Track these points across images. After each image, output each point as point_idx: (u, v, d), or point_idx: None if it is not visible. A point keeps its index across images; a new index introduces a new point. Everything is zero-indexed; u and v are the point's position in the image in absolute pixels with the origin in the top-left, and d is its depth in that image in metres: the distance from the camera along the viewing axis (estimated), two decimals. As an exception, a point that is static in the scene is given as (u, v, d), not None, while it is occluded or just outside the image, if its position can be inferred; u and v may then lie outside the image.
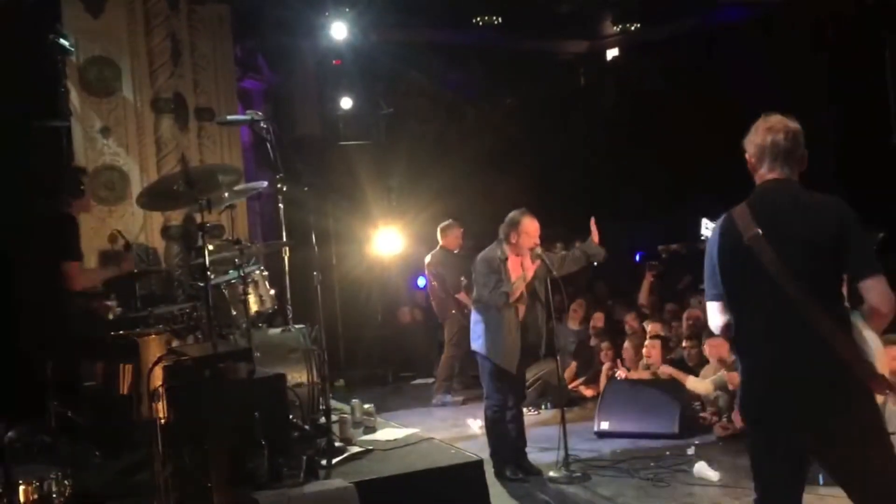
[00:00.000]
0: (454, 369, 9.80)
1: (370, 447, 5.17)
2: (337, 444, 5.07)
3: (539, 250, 6.33)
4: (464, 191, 11.58)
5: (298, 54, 10.98)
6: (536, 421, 8.36)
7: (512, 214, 6.41)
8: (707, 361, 7.77)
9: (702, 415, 7.58)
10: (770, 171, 3.39)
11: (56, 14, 7.65)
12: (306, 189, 5.13)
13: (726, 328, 3.47)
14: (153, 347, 5.19)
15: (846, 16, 9.97)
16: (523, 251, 6.32)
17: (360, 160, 11.64)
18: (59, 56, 7.67)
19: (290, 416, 4.83)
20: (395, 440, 5.34)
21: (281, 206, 5.61)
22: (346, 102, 11.22)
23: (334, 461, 4.67)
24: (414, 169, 12.09)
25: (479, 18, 10.97)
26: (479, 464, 4.94)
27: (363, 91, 11.31)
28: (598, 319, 9.92)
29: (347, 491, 4.13)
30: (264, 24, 10.09)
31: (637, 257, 12.24)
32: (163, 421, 4.39)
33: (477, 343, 6.44)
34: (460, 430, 8.21)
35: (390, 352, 11.79)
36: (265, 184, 6.11)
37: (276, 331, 5.80)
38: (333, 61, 11.01)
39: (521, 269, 6.35)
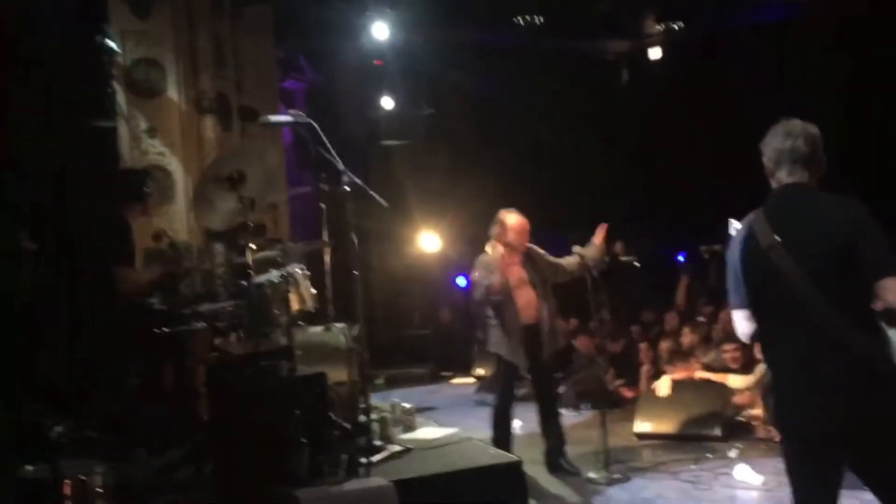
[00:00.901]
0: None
1: (410, 446, 5.18)
2: (377, 442, 5.08)
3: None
4: (504, 191, 11.56)
5: (340, 55, 11.05)
6: (577, 422, 8.33)
7: (499, 213, 6.48)
8: (752, 361, 7.65)
9: (744, 417, 7.49)
10: (789, 176, 3.35)
11: (103, 15, 7.77)
12: (347, 189, 5.14)
13: (753, 336, 3.44)
14: (196, 345, 5.24)
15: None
16: (515, 250, 6.37)
17: (401, 160, 11.69)
18: (107, 57, 7.79)
19: (331, 415, 4.86)
20: (434, 439, 5.35)
21: (322, 206, 5.64)
22: (387, 102, 11.27)
23: (374, 460, 4.69)
24: (454, 169, 12.10)
25: (520, 18, 10.94)
26: (518, 464, 4.93)
27: (404, 91, 11.35)
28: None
29: (387, 489, 4.14)
30: (306, 25, 10.15)
31: (680, 258, 12.14)
32: (205, 418, 4.44)
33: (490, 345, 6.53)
34: (500, 430, 8.18)
35: (430, 351, 11.82)
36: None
37: (317, 329, 5.83)
38: (375, 61, 11.06)
39: (513, 268, 6.37)
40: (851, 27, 9.91)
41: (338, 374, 5.42)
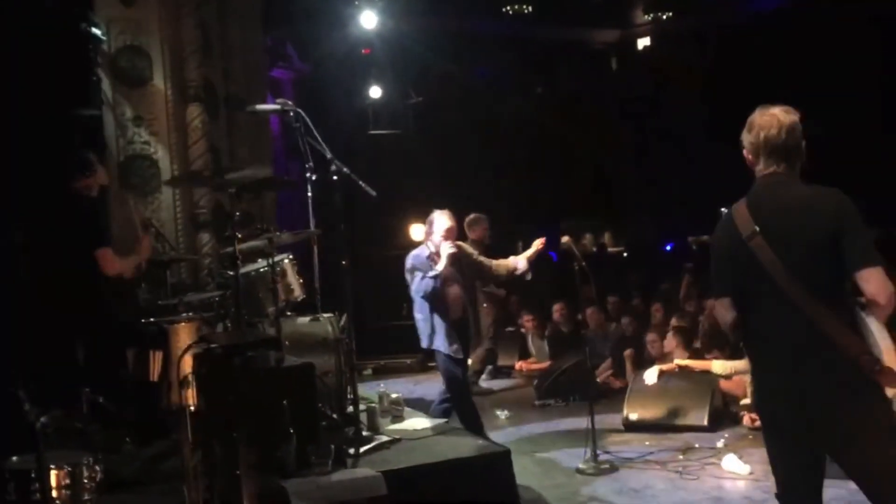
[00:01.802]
0: (484, 361, 9.80)
1: (398, 436, 5.17)
2: (365, 433, 5.08)
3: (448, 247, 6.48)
4: (494, 179, 11.56)
5: (328, 43, 10.99)
6: (565, 413, 8.33)
7: (432, 213, 6.63)
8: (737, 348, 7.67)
9: (732, 407, 7.52)
10: (766, 167, 3.34)
11: (88, 2, 7.69)
12: (335, 178, 5.11)
13: (734, 325, 3.43)
14: (183, 335, 5.20)
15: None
16: (443, 246, 6.53)
17: (390, 149, 11.64)
18: (91, 45, 7.71)
19: (319, 405, 4.84)
20: (422, 430, 5.34)
21: (310, 195, 5.61)
22: (375, 91, 11.21)
23: (362, 450, 4.68)
24: (443, 158, 12.07)
25: (509, 7, 10.92)
26: (506, 454, 4.93)
27: (393, 80, 11.30)
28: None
29: (375, 480, 4.13)
30: (294, 13, 10.09)
31: (668, 248, 12.17)
32: (192, 408, 4.42)
33: (427, 341, 6.60)
34: (488, 421, 8.17)
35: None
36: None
37: (304, 320, 5.81)
38: (363, 50, 11.01)
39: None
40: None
41: (325, 365, 5.41)
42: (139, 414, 5.43)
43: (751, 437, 6.91)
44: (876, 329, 3.14)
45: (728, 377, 7.60)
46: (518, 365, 10.64)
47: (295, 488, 3.88)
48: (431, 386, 10.28)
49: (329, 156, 5.25)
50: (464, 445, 5.04)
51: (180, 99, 8.21)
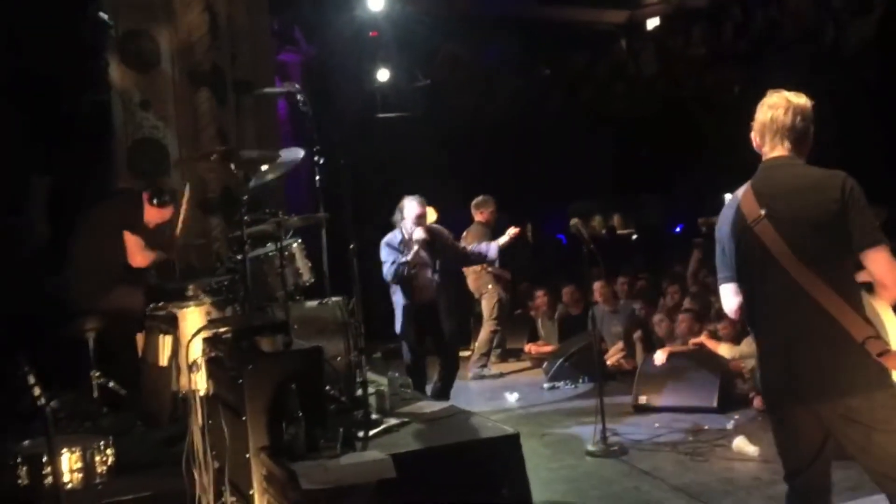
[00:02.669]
0: (493, 343, 9.81)
1: (406, 420, 5.17)
2: (374, 416, 5.08)
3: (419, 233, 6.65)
4: (503, 161, 11.52)
5: (335, 26, 10.95)
6: (574, 395, 8.34)
7: (403, 199, 6.81)
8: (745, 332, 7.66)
9: (741, 388, 7.51)
10: (772, 150, 3.32)
11: (96, -13, 7.69)
12: (342, 162, 5.10)
13: (739, 310, 3.43)
14: (192, 319, 5.23)
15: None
16: (415, 232, 6.67)
17: (398, 132, 11.61)
18: (99, 29, 7.70)
19: (328, 389, 4.85)
20: (431, 413, 5.34)
21: (318, 178, 5.60)
22: (383, 74, 11.18)
23: (371, 433, 4.68)
24: (451, 140, 12.03)
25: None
26: (515, 437, 4.92)
27: (400, 63, 11.27)
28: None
29: (384, 463, 4.13)
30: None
31: (677, 230, 12.14)
32: (201, 392, 4.43)
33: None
34: (497, 404, 8.22)
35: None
36: (301, 153, 6.10)
37: (313, 303, 5.81)
38: (370, 33, 10.97)
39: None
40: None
41: (334, 349, 5.41)
42: (149, 397, 5.48)
43: (760, 419, 6.90)
44: (882, 312, 3.13)
45: (737, 360, 7.58)
46: (527, 347, 10.64)
47: (304, 471, 3.88)
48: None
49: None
50: (473, 428, 5.04)
51: (188, 83, 8.20)
